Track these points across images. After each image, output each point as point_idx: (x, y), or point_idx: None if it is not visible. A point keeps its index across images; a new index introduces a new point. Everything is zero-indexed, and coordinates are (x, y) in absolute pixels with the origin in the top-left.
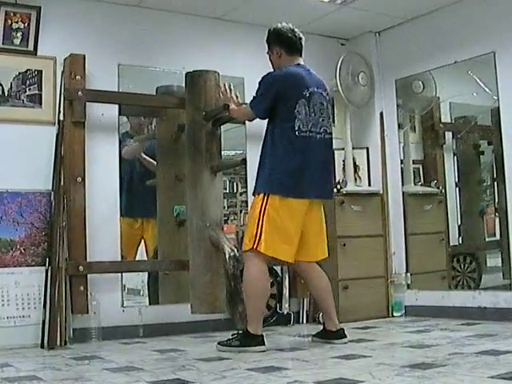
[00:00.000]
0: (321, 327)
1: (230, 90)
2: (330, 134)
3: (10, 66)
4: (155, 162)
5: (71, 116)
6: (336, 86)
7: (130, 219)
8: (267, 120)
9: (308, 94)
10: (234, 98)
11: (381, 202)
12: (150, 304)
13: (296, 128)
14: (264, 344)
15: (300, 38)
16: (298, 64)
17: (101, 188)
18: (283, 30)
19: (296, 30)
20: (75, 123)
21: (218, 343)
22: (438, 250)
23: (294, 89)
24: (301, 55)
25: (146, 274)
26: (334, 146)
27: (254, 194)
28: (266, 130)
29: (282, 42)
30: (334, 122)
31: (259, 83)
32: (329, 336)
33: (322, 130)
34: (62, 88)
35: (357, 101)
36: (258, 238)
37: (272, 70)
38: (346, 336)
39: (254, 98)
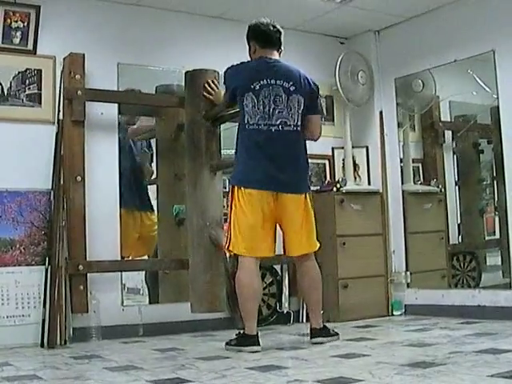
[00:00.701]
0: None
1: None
2: (292, 125)
3: (10, 66)
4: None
5: (71, 115)
6: (335, 84)
7: (128, 212)
8: None
9: (258, 87)
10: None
11: (380, 200)
12: (149, 303)
13: (245, 121)
14: (258, 344)
15: (276, 32)
16: (261, 57)
17: (100, 187)
18: (257, 25)
19: (274, 24)
20: (75, 122)
21: (226, 343)
22: (438, 248)
23: (242, 83)
24: (277, 49)
25: (143, 273)
26: (332, 145)
27: None
28: None
29: (256, 37)
30: (333, 120)
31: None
32: (312, 334)
33: (278, 122)
34: (62, 87)
35: (356, 99)
36: (228, 237)
37: (230, 65)
38: (330, 335)
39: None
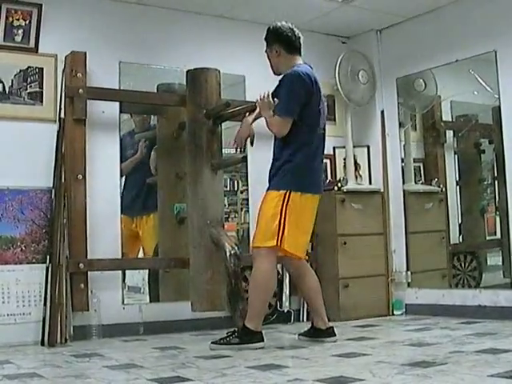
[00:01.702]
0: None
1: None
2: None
3: (11, 64)
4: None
5: (72, 113)
6: (336, 84)
7: (125, 217)
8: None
9: (315, 91)
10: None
11: (381, 200)
12: (150, 302)
13: (320, 125)
14: (263, 340)
15: (299, 38)
16: (305, 63)
17: (101, 185)
18: (283, 29)
19: (295, 29)
20: (76, 121)
21: (212, 342)
22: (439, 248)
23: (315, 87)
24: (300, 54)
25: (146, 271)
26: (334, 144)
27: (268, 190)
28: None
29: (282, 41)
30: (334, 120)
31: (284, 85)
32: (318, 334)
33: (323, 126)
34: (63, 85)
35: (357, 99)
36: (280, 235)
37: (271, 69)
38: (335, 334)
39: (281, 105)
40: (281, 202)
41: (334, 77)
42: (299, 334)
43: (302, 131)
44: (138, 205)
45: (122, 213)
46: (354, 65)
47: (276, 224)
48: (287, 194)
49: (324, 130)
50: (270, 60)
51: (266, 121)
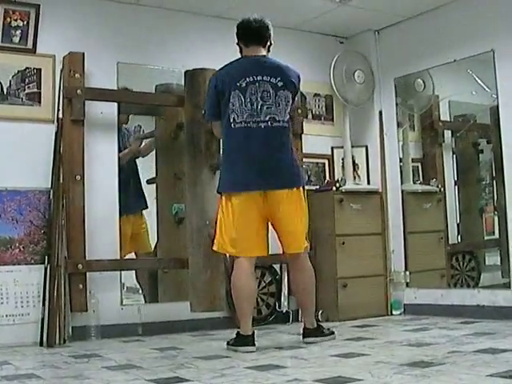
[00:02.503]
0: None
1: None
2: (280, 121)
3: (9, 64)
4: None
5: (70, 114)
6: (330, 84)
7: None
8: None
9: (244, 84)
10: None
11: (380, 200)
12: (146, 302)
13: (231, 120)
14: (253, 344)
15: (260, 27)
16: (245, 56)
17: (100, 186)
18: (240, 24)
19: (258, 19)
20: (74, 121)
21: (227, 343)
22: (437, 248)
23: (227, 82)
24: (263, 45)
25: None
26: (332, 144)
27: None
28: None
29: (240, 36)
30: (332, 120)
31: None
32: (304, 334)
33: (267, 118)
34: (61, 86)
35: (353, 99)
36: (217, 238)
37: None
38: (324, 335)
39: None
40: (220, 206)
41: (329, 78)
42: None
43: (222, 131)
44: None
45: (122, 212)
46: (350, 65)
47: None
48: (220, 196)
49: (258, 121)
50: None
51: None
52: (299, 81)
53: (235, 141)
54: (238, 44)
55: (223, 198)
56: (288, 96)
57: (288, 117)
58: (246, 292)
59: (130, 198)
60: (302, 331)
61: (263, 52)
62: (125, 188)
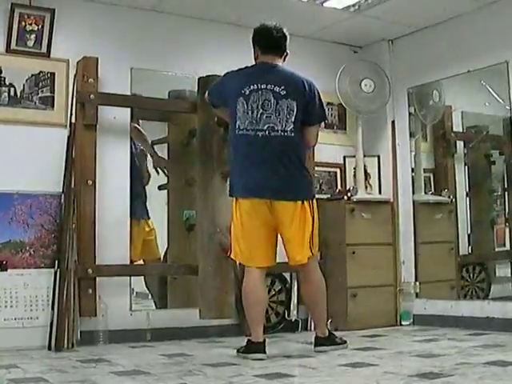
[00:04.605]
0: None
1: None
2: (280, 131)
3: (23, 68)
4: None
5: (83, 119)
6: (336, 93)
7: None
8: None
9: (248, 92)
10: None
11: (391, 210)
12: (156, 308)
13: (236, 127)
14: (264, 352)
15: (280, 37)
16: (261, 62)
17: (111, 191)
18: (259, 30)
19: (278, 27)
20: (87, 126)
21: (237, 350)
22: (448, 259)
23: (234, 88)
24: (279, 55)
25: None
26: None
27: None
28: None
29: (258, 42)
30: (345, 128)
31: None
32: (316, 342)
33: (265, 128)
34: (75, 90)
35: (360, 108)
36: (230, 244)
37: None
38: (336, 343)
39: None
40: (233, 211)
41: (335, 86)
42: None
43: (231, 133)
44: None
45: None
46: (357, 74)
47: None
48: (233, 200)
49: (257, 130)
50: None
51: None
52: (311, 90)
53: (239, 147)
54: (253, 48)
55: (233, 201)
56: (292, 105)
57: (292, 126)
58: (256, 299)
59: (138, 203)
60: (313, 340)
61: (278, 62)
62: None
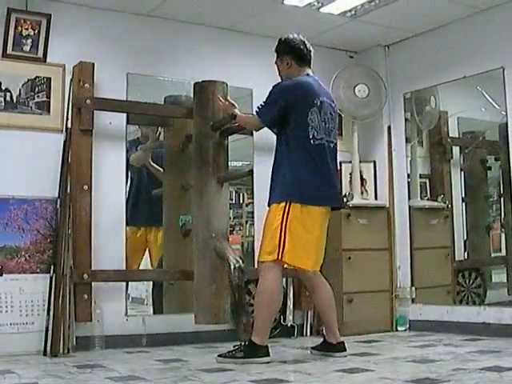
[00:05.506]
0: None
1: (226, 98)
2: (335, 143)
3: (19, 73)
4: (162, 170)
5: (79, 124)
6: None
7: (133, 227)
8: (279, 131)
9: (319, 103)
10: (233, 103)
11: (387, 215)
12: (154, 313)
13: (311, 136)
14: (269, 355)
15: (310, 51)
16: (308, 74)
17: (107, 196)
18: (295, 41)
19: (307, 42)
20: (83, 131)
21: (219, 355)
22: (444, 264)
23: (305, 98)
24: (310, 67)
25: (151, 283)
26: (340, 159)
27: (270, 204)
28: (279, 140)
29: (294, 53)
30: (341, 134)
31: (269, 92)
32: (329, 348)
33: (333, 139)
34: (71, 96)
35: (353, 113)
36: (281, 248)
37: (280, 80)
38: (345, 349)
39: (261, 106)
40: (281, 215)
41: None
42: (312, 348)
43: (293, 143)
44: (145, 215)
45: (127, 223)
46: (350, 79)
47: (277, 237)
48: (287, 206)
49: (328, 141)
50: (279, 71)
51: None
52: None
53: (317, 156)
54: (281, 57)
55: (297, 208)
56: (337, 119)
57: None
58: (278, 302)
59: (143, 210)
60: (321, 346)
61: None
62: (136, 199)
